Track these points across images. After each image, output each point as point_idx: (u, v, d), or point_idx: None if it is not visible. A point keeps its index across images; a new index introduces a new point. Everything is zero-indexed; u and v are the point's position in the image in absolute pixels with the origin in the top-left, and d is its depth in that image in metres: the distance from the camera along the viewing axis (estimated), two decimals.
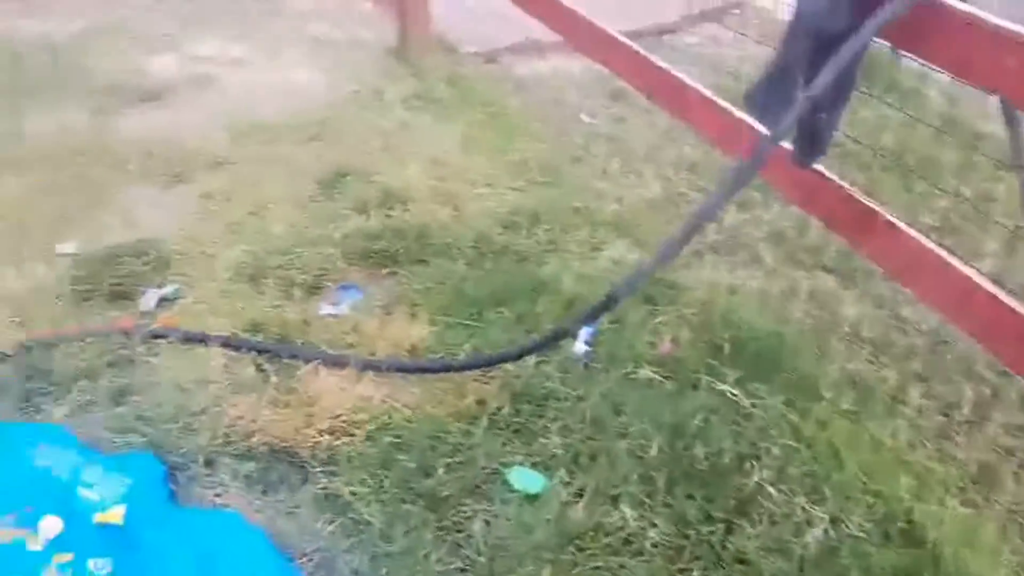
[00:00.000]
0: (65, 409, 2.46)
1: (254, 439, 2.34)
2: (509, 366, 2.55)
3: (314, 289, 2.99)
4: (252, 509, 2.17)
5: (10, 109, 4.11)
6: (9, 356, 2.64)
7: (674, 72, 2.86)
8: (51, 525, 2.15)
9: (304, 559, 2.05)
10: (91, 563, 2.07)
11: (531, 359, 2.56)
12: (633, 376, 2.53)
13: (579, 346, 2.53)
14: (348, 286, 3.02)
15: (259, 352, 2.66)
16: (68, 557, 2.08)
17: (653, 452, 2.27)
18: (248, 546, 2.08)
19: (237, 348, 2.68)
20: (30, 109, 4.15)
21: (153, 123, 4.09)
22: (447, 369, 2.58)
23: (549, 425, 2.39)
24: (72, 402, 2.48)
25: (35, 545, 2.11)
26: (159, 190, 3.60)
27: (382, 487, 2.20)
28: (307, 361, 2.60)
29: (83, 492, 2.20)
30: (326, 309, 2.89)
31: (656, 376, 2.53)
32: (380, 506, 2.15)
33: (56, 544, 2.11)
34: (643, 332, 2.68)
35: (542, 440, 2.34)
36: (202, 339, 2.72)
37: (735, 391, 2.47)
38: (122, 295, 2.94)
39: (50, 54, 4.69)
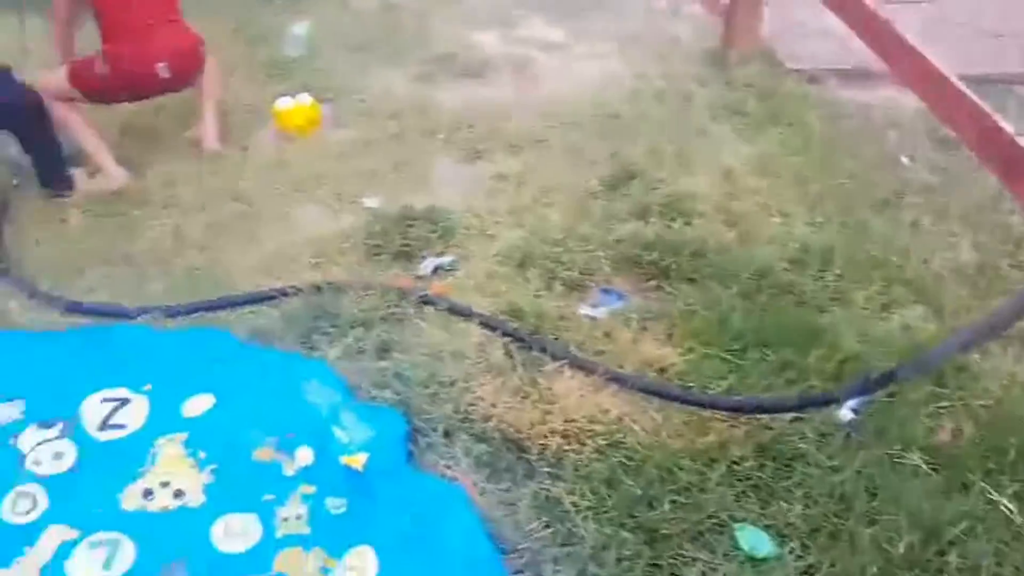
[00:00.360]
0: (338, 351, 2.67)
1: (490, 423, 2.40)
2: (760, 415, 2.41)
3: (577, 287, 3.00)
4: (476, 490, 2.23)
5: (352, 66, 4.51)
6: (301, 292, 2.89)
7: (1013, 134, 2.51)
8: (305, 455, 2.35)
9: (513, 554, 2.07)
10: (329, 500, 2.24)
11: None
12: (898, 460, 2.28)
13: (845, 412, 2.33)
14: (611, 291, 3.00)
15: (512, 338, 2.72)
16: (311, 489, 2.27)
17: (901, 549, 2.04)
18: (465, 524, 2.14)
19: (493, 329, 2.76)
20: (368, 67, 4.52)
21: (469, 98, 4.30)
22: (696, 403, 2.49)
23: (793, 490, 2.22)
24: (345, 346, 2.68)
25: (289, 470, 2.32)
26: (459, 164, 3.78)
27: (603, 506, 2.16)
28: (555, 358, 2.62)
29: (337, 432, 2.38)
30: (584, 309, 2.89)
31: (924, 466, 2.27)
32: (597, 524, 2.12)
33: (304, 474, 2.31)
34: (921, 413, 2.40)
35: (781, 503, 2.18)
36: (466, 313, 2.83)
37: (1011, 505, 2.15)
38: (406, 256, 3.13)
39: (394, 17, 5.07)
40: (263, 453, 2.37)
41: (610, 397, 2.50)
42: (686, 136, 3.95)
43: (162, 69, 3.60)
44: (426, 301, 2.89)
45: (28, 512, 2.20)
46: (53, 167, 3.44)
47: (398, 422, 2.41)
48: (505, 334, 2.74)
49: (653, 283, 3.02)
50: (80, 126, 3.54)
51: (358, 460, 2.29)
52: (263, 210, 3.41)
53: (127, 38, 3.54)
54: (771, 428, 2.38)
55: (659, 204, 3.36)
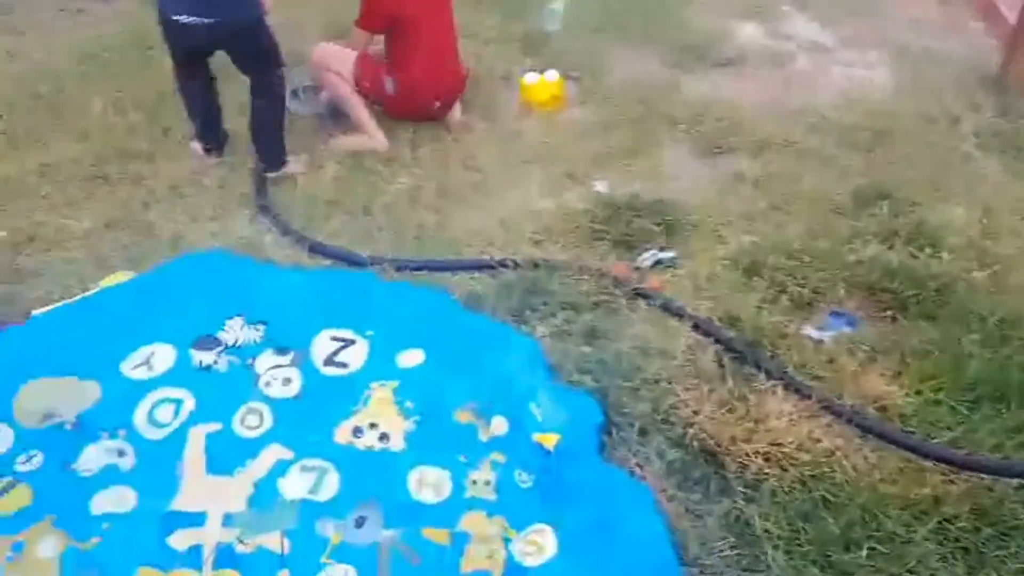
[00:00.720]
0: (545, 329, 2.70)
1: (691, 429, 2.35)
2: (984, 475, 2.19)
3: (805, 305, 2.85)
4: (664, 495, 2.19)
5: (604, 46, 4.50)
6: (519, 267, 2.95)
7: None
8: (499, 425, 2.42)
9: (693, 568, 2.02)
10: (517, 473, 2.29)
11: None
12: None
13: None
14: (841, 315, 2.82)
15: (726, 347, 2.63)
16: (502, 458, 2.33)
17: None
18: (649, 527, 2.12)
19: (707, 334, 2.69)
20: (619, 48, 4.50)
21: (718, 89, 4.17)
22: (915, 450, 2.31)
23: (1007, 561, 2.02)
24: (553, 326, 2.71)
25: (483, 436, 2.39)
26: (697, 157, 3.69)
27: (797, 538, 2.06)
28: (769, 376, 2.51)
29: (532, 408, 2.42)
30: (810, 330, 2.74)
31: None
32: (788, 557, 2.03)
33: (496, 443, 2.37)
34: None
35: (992, 573, 1.99)
36: (679, 313, 2.77)
37: None
38: (627, 245, 3.10)
39: (655, 0, 5.00)
40: (463, 415, 2.45)
41: (822, 427, 2.37)
42: (948, 162, 3.64)
43: (438, 105, 3.80)
44: (640, 294, 2.86)
45: (255, 428, 2.41)
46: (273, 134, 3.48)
47: (594, 410, 2.41)
48: (718, 341, 2.66)
49: (888, 313, 2.82)
50: (350, 93, 3.71)
51: (550, 440, 2.32)
52: (495, 180, 3.49)
53: (422, 69, 3.68)
54: (993, 491, 2.19)
55: (908, 230, 3.13)
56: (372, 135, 3.71)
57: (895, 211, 3.23)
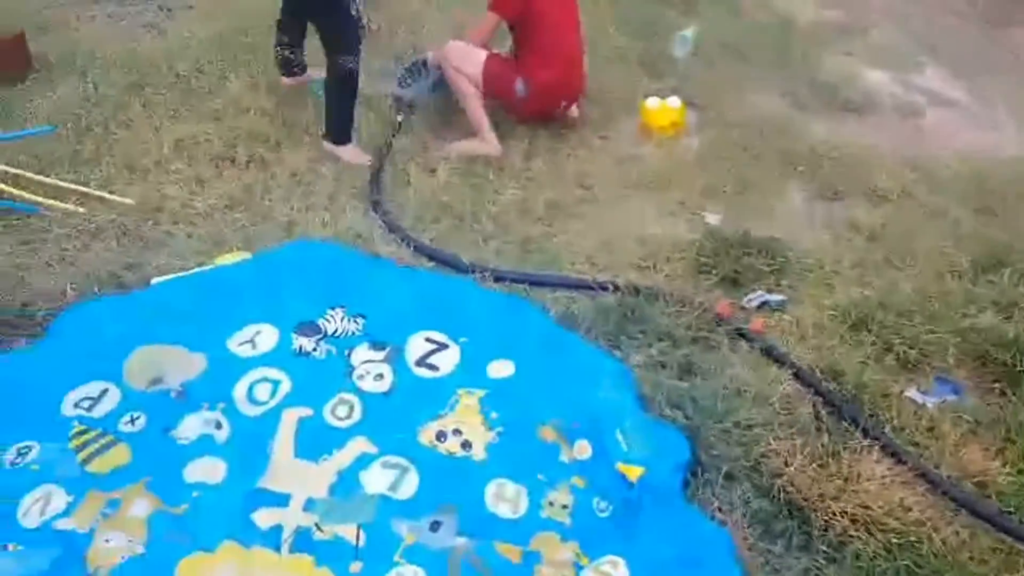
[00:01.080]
0: (640, 358, 2.69)
1: (779, 480, 2.29)
2: None
3: (911, 366, 2.75)
4: (744, 544, 2.15)
5: (730, 77, 4.44)
6: (618, 289, 2.94)
7: None
8: (583, 448, 2.41)
9: None
10: (596, 500, 2.28)
11: None
12: None
13: None
14: (947, 381, 2.71)
15: (825, 400, 2.56)
16: (582, 483, 2.32)
17: None
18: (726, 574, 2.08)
19: (807, 385, 2.63)
20: (745, 81, 4.43)
21: (842, 134, 4.07)
22: (1012, 532, 2.20)
23: None
24: (648, 356, 2.69)
25: (565, 457, 2.39)
26: (814, 200, 3.60)
27: None
28: (866, 435, 2.43)
29: (619, 436, 2.40)
30: (913, 393, 2.65)
31: None
32: None
33: (578, 467, 2.36)
34: None
35: None
36: (781, 359, 2.71)
37: None
38: (734, 282, 3.05)
39: (788, 37, 4.90)
40: (546, 432, 2.46)
41: (916, 495, 2.28)
42: None
43: (564, 106, 3.85)
44: (742, 334, 2.81)
45: (344, 419, 2.47)
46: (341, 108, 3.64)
47: (682, 447, 2.38)
48: (818, 393, 2.59)
49: (997, 386, 2.70)
50: (473, 95, 3.73)
51: (634, 471, 2.30)
52: (605, 200, 3.49)
53: (555, 70, 3.72)
54: None
55: None
56: (487, 140, 3.74)
57: (1016, 280, 3.08)
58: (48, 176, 3.26)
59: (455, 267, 3.05)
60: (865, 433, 2.43)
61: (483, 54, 3.74)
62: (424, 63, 3.95)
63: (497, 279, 2.98)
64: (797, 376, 2.64)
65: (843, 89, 4.46)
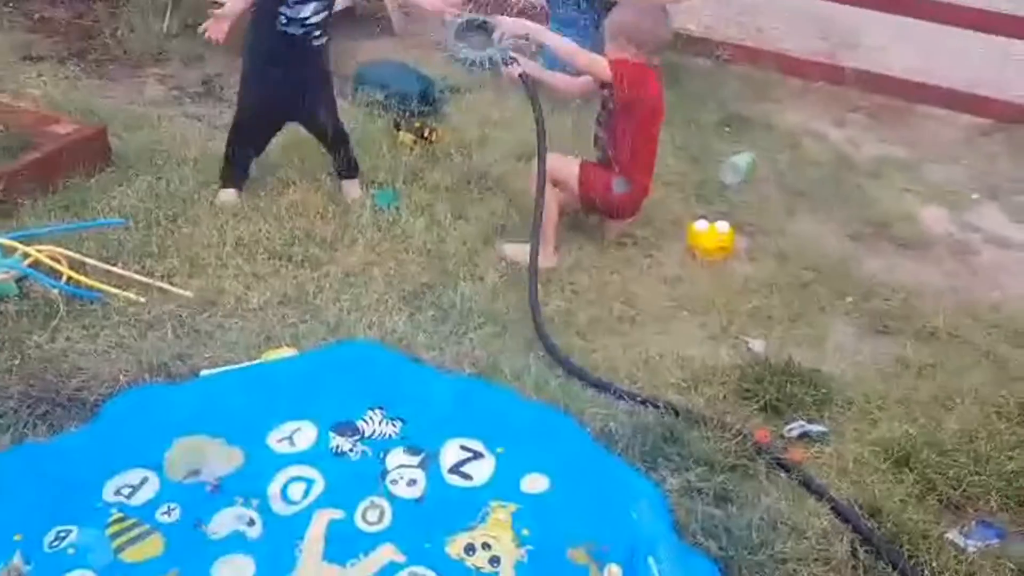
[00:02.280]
0: (676, 482, 2.66)
1: None
2: None
3: (954, 507, 2.69)
4: None
5: (782, 207, 4.49)
6: (658, 408, 2.94)
7: None
8: (614, 573, 2.37)
9: None
10: None
11: None
12: None
13: None
14: (991, 525, 2.63)
15: (863, 538, 2.50)
16: None
17: None
18: None
19: (845, 520, 2.57)
20: (797, 212, 4.46)
21: (893, 270, 4.04)
22: None
23: None
24: (684, 480, 2.66)
25: None
26: (862, 334, 3.57)
27: None
28: None
29: (651, 563, 2.35)
30: (954, 535, 2.57)
31: None
32: None
33: None
34: None
35: None
36: (820, 492, 2.66)
37: None
38: (775, 411, 3.02)
39: (842, 171, 4.96)
40: (577, 553, 2.42)
41: None
42: None
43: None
44: (781, 464, 2.77)
45: (374, 523, 2.47)
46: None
47: None
48: (856, 530, 2.53)
49: None
50: (552, 212, 3.75)
51: None
52: (648, 320, 3.52)
53: (646, 173, 3.89)
54: None
55: None
56: (546, 251, 3.76)
57: None
58: (114, 265, 3.41)
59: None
60: (903, 575, 2.35)
61: (576, 163, 3.86)
62: (487, 25, 3.73)
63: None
64: (835, 510, 2.58)
65: (897, 225, 4.44)
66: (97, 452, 2.59)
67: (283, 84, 3.82)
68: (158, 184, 4.01)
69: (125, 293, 3.28)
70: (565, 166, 3.85)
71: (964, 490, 2.72)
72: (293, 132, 4.60)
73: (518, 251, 3.78)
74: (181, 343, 3.09)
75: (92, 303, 3.24)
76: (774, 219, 4.34)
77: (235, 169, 4.02)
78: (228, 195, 3.99)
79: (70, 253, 3.38)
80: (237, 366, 2.98)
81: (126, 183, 4.01)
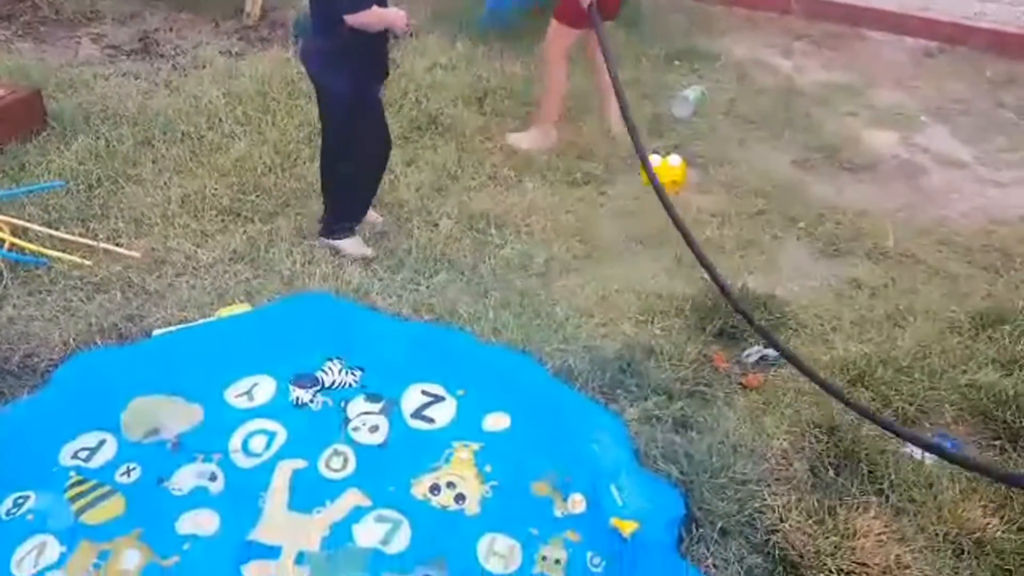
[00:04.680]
0: (636, 412, 2.68)
1: (774, 536, 2.28)
2: None
3: (909, 422, 2.74)
4: None
5: (732, 137, 4.50)
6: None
7: None
8: (577, 502, 2.40)
9: None
10: (590, 555, 2.26)
11: None
12: None
13: None
14: (947, 438, 2.69)
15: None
16: (576, 538, 2.31)
17: None
18: None
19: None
20: (747, 142, 4.48)
21: (843, 193, 4.09)
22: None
23: None
24: (643, 409, 2.69)
25: (559, 511, 2.38)
26: (815, 258, 3.61)
27: None
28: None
29: (614, 491, 2.38)
30: (911, 449, 2.62)
31: None
32: None
33: (573, 521, 2.35)
34: None
35: None
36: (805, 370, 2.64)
37: None
38: (732, 337, 3.06)
39: (790, 99, 4.96)
40: (540, 486, 2.45)
41: (913, 552, 2.25)
42: None
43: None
44: (744, 385, 2.81)
45: (338, 470, 2.48)
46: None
47: (676, 503, 2.37)
48: (863, 414, 2.54)
49: (998, 443, 2.69)
50: (558, 83, 4.10)
51: (628, 526, 2.28)
52: (603, 256, 3.52)
53: None
54: None
55: None
56: (545, 130, 4.15)
57: (1017, 338, 3.07)
58: (57, 230, 3.33)
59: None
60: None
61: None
62: None
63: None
64: (827, 389, 2.59)
65: (847, 149, 4.49)
66: (51, 417, 2.55)
67: (381, 75, 3.35)
68: (97, 144, 3.90)
69: (70, 257, 3.21)
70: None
71: (919, 405, 2.78)
72: (235, 84, 4.51)
73: (522, 138, 4.13)
74: (131, 304, 3.03)
75: (37, 269, 3.16)
76: (724, 150, 4.35)
77: (358, 212, 3.46)
78: (357, 243, 3.44)
79: (11, 219, 3.29)
80: (191, 324, 2.93)
81: (64, 145, 3.90)
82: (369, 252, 3.42)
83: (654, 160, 4.02)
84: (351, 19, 2.93)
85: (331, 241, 3.40)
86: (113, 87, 4.51)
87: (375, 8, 2.95)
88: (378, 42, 3.14)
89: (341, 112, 3.21)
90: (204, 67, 4.81)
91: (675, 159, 4.04)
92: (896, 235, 3.72)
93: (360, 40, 3.02)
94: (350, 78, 3.09)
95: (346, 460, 2.50)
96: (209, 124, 4.14)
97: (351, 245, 3.41)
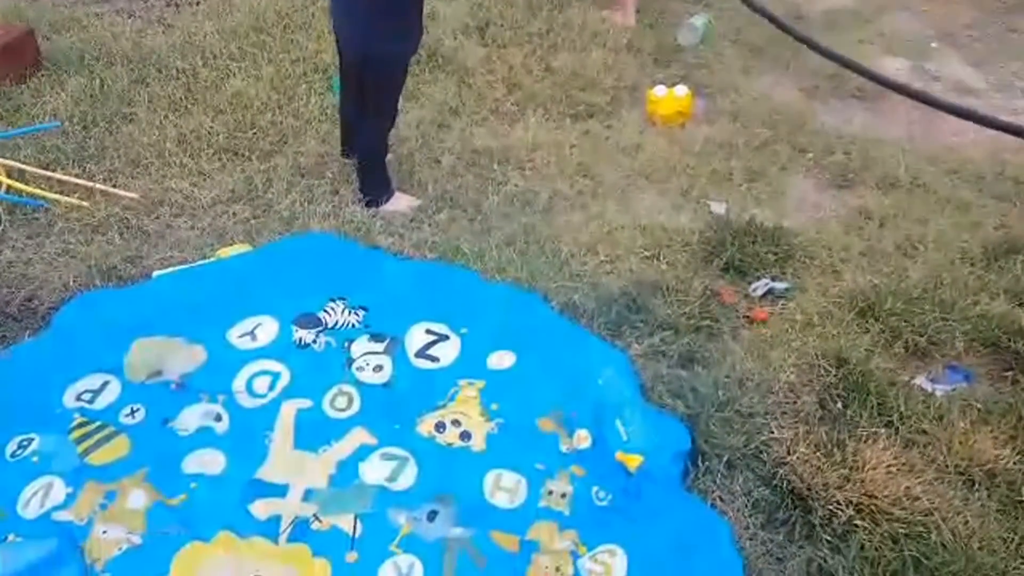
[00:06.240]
0: (641, 348, 2.65)
1: (781, 469, 2.26)
2: None
3: (920, 354, 2.71)
4: (746, 533, 2.12)
5: (739, 66, 4.39)
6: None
7: None
8: (583, 437, 2.39)
9: None
10: (595, 489, 2.26)
11: None
12: None
13: None
14: (958, 369, 2.67)
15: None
16: (581, 472, 2.30)
17: None
18: (726, 563, 2.05)
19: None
20: (755, 70, 4.37)
21: (853, 122, 4.01)
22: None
23: None
24: (649, 345, 2.66)
25: (565, 447, 2.37)
26: (823, 188, 3.55)
27: None
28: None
29: (618, 425, 2.37)
30: (922, 381, 2.60)
31: None
32: None
33: (578, 456, 2.34)
34: None
35: None
36: None
37: None
38: (739, 270, 3.01)
39: (798, 26, 4.81)
40: (546, 422, 2.44)
41: (923, 483, 2.24)
42: None
43: None
44: (749, 319, 2.78)
45: (343, 410, 2.46)
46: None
47: (683, 436, 2.35)
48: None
49: (1009, 374, 2.66)
50: None
51: (633, 460, 2.27)
52: (608, 191, 3.45)
53: None
54: None
55: None
56: (626, 10, 4.51)
57: None
58: (54, 171, 3.27)
59: None
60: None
61: None
62: None
63: None
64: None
65: (855, 77, 4.35)
66: (53, 360, 2.53)
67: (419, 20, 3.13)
68: (92, 84, 3.83)
69: (68, 199, 3.16)
70: None
71: (930, 336, 2.74)
72: (229, 19, 4.41)
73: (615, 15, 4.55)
74: (130, 246, 3.00)
75: (35, 211, 3.12)
76: (731, 79, 4.25)
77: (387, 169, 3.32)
78: (406, 199, 3.33)
79: (7, 161, 3.24)
80: (191, 264, 2.90)
81: (59, 85, 3.83)
82: (418, 201, 3.32)
83: (660, 91, 3.94)
84: None
85: (384, 208, 3.26)
86: (107, 25, 4.40)
87: None
88: (418, 3, 3.02)
89: (386, 84, 3.08)
90: (197, 3, 4.70)
91: (681, 89, 3.95)
92: (906, 164, 3.64)
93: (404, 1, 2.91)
94: (398, 44, 2.98)
95: (351, 399, 2.49)
96: (204, 61, 4.05)
97: (402, 202, 3.31)
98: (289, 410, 2.45)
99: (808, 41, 2.84)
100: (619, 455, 2.28)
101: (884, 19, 4.99)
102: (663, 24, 4.67)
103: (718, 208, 3.35)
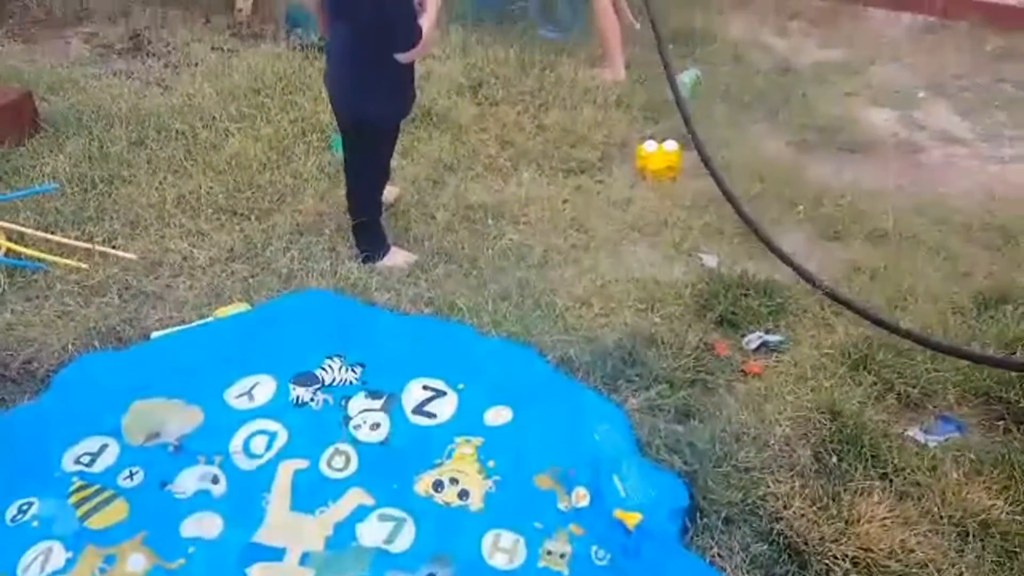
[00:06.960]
0: (637, 402, 2.67)
1: (778, 524, 2.27)
2: None
3: (913, 405, 2.74)
4: None
5: (728, 120, 4.47)
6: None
7: None
8: (581, 495, 2.39)
9: None
10: (594, 549, 2.26)
11: None
12: None
13: None
14: (950, 420, 2.69)
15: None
16: (580, 531, 2.30)
17: None
18: None
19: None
20: (744, 124, 4.46)
21: (841, 174, 4.07)
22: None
23: None
24: (646, 399, 2.68)
25: (563, 505, 2.38)
26: (814, 241, 3.59)
27: None
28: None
29: (617, 482, 2.38)
30: (915, 433, 2.62)
31: None
32: None
33: (576, 515, 2.34)
34: None
35: None
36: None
37: None
38: (732, 323, 3.04)
39: (787, 80, 4.94)
40: (543, 480, 2.44)
41: (918, 535, 2.25)
42: None
43: None
44: (744, 372, 2.81)
45: (341, 469, 2.47)
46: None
47: (680, 492, 2.36)
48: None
49: (1001, 423, 2.68)
50: (611, 25, 4.73)
51: (632, 518, 2.27)
52: (601, 245, 3.50)
53: None
54: None
55: None
56: (615, 67, 4.64)
57: (1020, 316, 3.06)
58: (53, 233, 3.31)
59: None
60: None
61: None
62: None
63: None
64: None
65: (844, 129, 4.47)
66: (52, 423, 2.54)
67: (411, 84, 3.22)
68: (90, 145, 3.89)
69: (67, 261, 3.20)
70: None
71: (922, 387, 2.77)
72: (227, 80, 4.49)
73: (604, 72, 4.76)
74: (129, 307, 3.02)
75: (34, 274, 3.15)
76: (719, 133, 4.32)
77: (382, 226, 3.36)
78: (403, 254, 3.36)
79: (7, 224, 3.28)
80: (189, 325, 2.92)
81: (57, 147, 3.89)
82: (414, 257, 3.36)
83: (650, 146, 4.01)
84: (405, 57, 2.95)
85: (380, 263, 3.30)
86: (105, 87, 4.48)
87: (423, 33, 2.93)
88: (409, 67, 3.11)
89: (377, 146, 3.20)
90: (196, 64, 4.79)
91: (671, 144, 4.02)
92: (895, 215, 3.70)
93: (394, 65, 2.97)
94: (388, 107, 3.09)
95: (348, 459, 2.50)
96: (203, 122, 4.11)
97: (399, 257, 3.34)
98: (286, 471, 2.46)
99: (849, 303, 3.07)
100: (618, 513, 2.29)
101: (873, 70, 5.11)
102: (652, 79, 4.76)
103: (710, 261, 3.39)
